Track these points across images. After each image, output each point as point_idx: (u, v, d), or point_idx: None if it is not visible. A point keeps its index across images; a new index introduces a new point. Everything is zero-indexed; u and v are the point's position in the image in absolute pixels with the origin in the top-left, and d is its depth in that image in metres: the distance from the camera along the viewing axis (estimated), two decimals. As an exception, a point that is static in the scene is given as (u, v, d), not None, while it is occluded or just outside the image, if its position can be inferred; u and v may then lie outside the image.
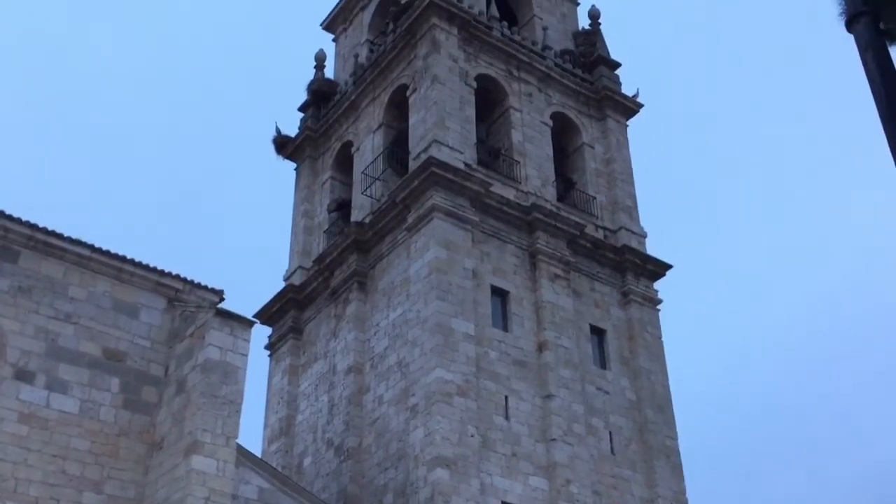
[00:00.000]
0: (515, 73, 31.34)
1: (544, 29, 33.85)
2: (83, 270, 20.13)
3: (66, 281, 19.87)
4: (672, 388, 28.52)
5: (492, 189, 27.57)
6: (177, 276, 21.10)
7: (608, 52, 34.49)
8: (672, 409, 28.07)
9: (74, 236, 20.04)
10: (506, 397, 24.94)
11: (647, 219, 31.50)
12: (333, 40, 38.11)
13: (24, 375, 18.63)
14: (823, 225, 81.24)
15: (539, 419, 25.16)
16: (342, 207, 32.46)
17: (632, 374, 28.04)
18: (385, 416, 25.30)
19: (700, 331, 74.12)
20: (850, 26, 6.47)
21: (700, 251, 75.75)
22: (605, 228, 30.42)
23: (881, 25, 6.44)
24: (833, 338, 75.39)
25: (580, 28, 35.64)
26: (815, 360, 74.55)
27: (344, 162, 33.17)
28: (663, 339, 29.28)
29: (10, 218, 19.38)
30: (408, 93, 30.10)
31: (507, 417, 24.65)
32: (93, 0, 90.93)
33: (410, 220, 26.79)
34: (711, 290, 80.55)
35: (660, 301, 29.92)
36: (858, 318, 71.08)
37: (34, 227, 19.63)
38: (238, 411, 18.87)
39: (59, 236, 19.90)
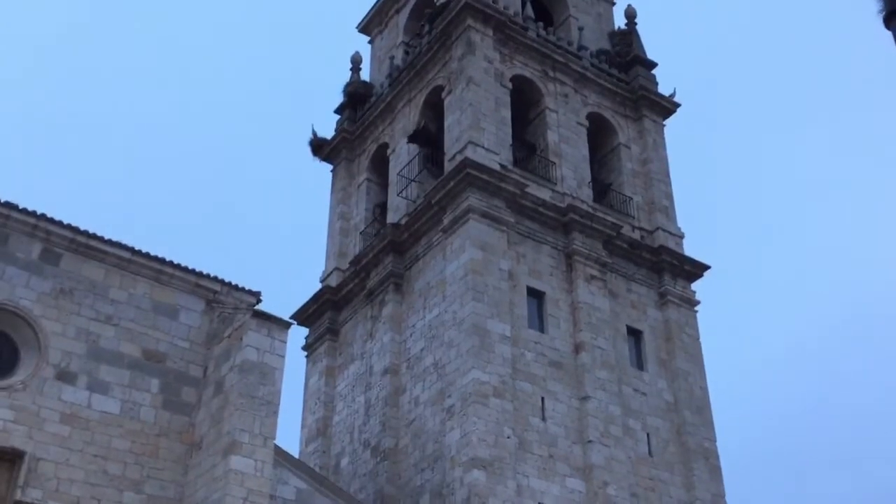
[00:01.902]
0: (551, 73, 31.27)
1: (580, 29, 33.74)
2: (123, 272, 20.40)
3: (106, 283, 20.14)
4: (710, 390, 28.30)
5: (527, 190, 27.53)
6: (215, 278, 21.32)
7: (644, 52, 34.30)
8: (710, 411, 27.84)
9: (115, 239, 20.32)
10: (542, 398, 24.88)
11: (684, 219, 31.31)
12: (369, 42, 38.26)
13: (65, 376, 18.91)
14: (865, 223, 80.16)
15: (575, 420, 25.07)
16: (378, 209, 32.58)
17: (669, 376, 27.86)
18: (421, 417, 25.35)
19: (739, 332, 73.44)
20: (888, 23, 6.41)
21: (739, 251, 75.06)
22: (641, 229, 30.25)
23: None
24: (878, 337, 74.34)
25: (616, 28, 35.49)
26: (859, 359, 73.61)
27: (380, 164, 33.28)
28: (701, 340, 29.07)
29: (51, 221, 19.69)
30: (443, 94, 30.14)
31: (543, 419, 24.59)
32: (133, 2, 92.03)
33: (446, 221, 26.83)
34: (751, 291, 79.85)
35: (697, 302, 29.70)
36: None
37: (76, 229, 19.93)
38: (275, 412, 19.03)
39: (101, 239, 20.18)
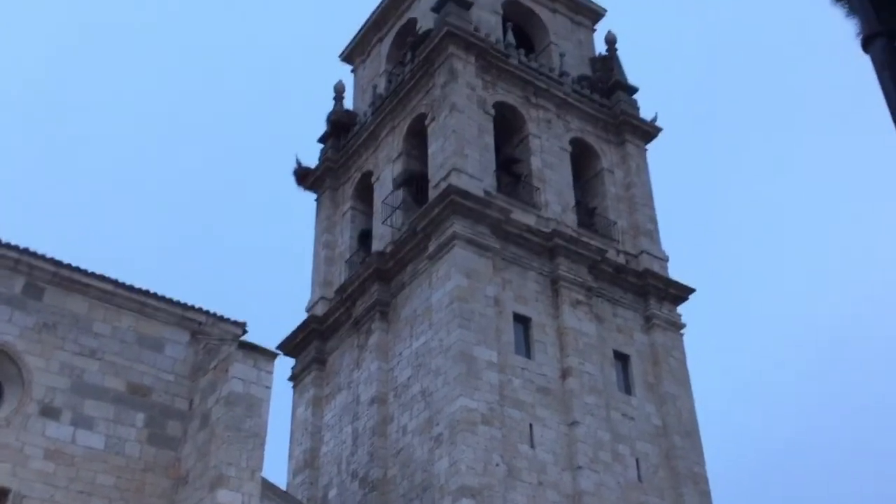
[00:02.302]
0: (533, 99, 31.43)
1: (561, 55, 33.96)
2: (107, 305, 20.25)
3: (90, 316, 19.99)
4: (698, 414, 28.27)
5: (512, 216, 27.58)
6: (200, 310, 21.19)
7: (625, 77, 34.54)
8: (699, 435, 27.79)
9: (98, 272, 20.20)
10: (530, 425, 24.79)
11: (668, 242, 31.41)
12: (352, 71, 38.41)
13: (49, 412, 18.71)
14: (849, 244, 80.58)
15: (565, 447, 24.97)
16: (363, 237, 32.57)
17: (657, 400, 27.82)
18: (409, 446, 25.21)
19: (727, 354, 73.56)
20: (866, 46, 6.45)
21: (723, 274, 75.26)
22: (626, 253, 30.32)
23: (898, 45, 6.41)
24: (859, 361, 74.56)
25: (597, 54, 35.74)
26: (847, 381, 73.74)
27: (364, 192, 33.29)
28: (688, 363, 29.08)
29: (34, 255, 19.56)
30: (426, 121, 30.23)
31: (532, 445, 24.49)
32: (107, 33, 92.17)
33: (431, 248, 26.82)
34: (737, 313, 80.00)
35: (683, 325, 29.73)
36: (888, 340, 70.28)
37: (59, 263, 19.80)
38: (262, 444, 18.86)
39: (84, 272, 20.04)
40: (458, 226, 26.19)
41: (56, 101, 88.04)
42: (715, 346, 63.94)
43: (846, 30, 7.37)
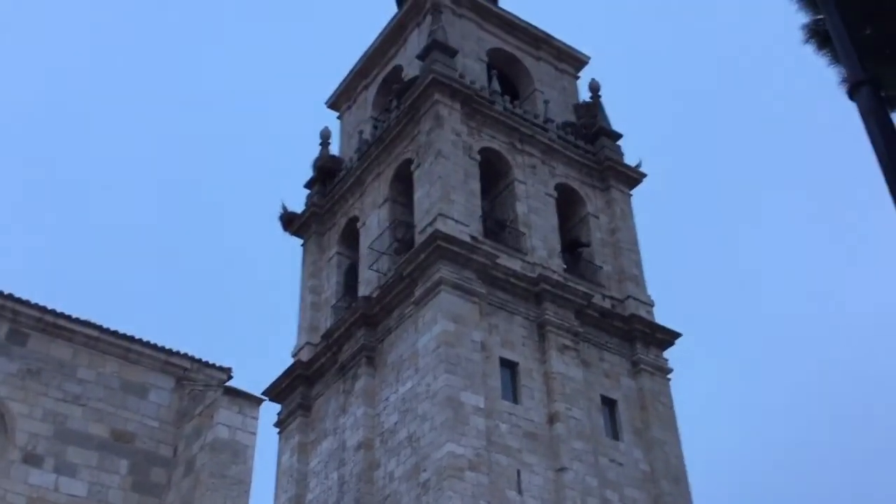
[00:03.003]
0: (518, 145, 31.67)
1: (545, 102, 34.30)
2: (92, 351, 20.09)
3: (74, 362, 19.82)
4: (686, 459, 28.18)
5: (498, 261, 27.64)
6: (185, 355, 21.04)
7: (609, 123, 34.89)
8: (687, 481, 27.67)
9: (83, 317, 20.08)
10: (518, 471, 24.64)
11: (654, 287, 31.51)
12: (338, 118, 38.65)
13: (32, 459, 18.47)
14: (832, 289, 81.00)
15: (552, 493, 24.80)
16: (349, 282, 32.56)
17: (645, 445, 27.72)
18: (396, 492, 24.97)
19: (714, 399, 73.44)
20: (851, 94, 6.56)
21: (709, 318, 75.48)
22: (612, 298, 30.39)
23: (882, 93, 6.54)
24: (847, 402, 74.61)
25: (581, 100, 36.13)
26: (833, 426, 73.67)
27: (350, 237, 33.34)
28: (675, 408, 29.03)
29: (19, 301, 19.44)
30: (412, 167, 30.38)
31: (520, 492, 24.31)
32: (93, 81, 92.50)
33: (417, 293, 26.81)
34: (724, 357, 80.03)
35: (670, 370, 29.73)
36: (875, 381, 70.44)
37: (43, 309, 19.67)
38: (247, 491, 18.64)
39: (68, 318, 19.91)
40: (444, 271, 26.23)
41: (39, 145, 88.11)
42: (702, 391, 63.87)
43: (830, 77, 7.51)
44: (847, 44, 6.62)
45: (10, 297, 19.37)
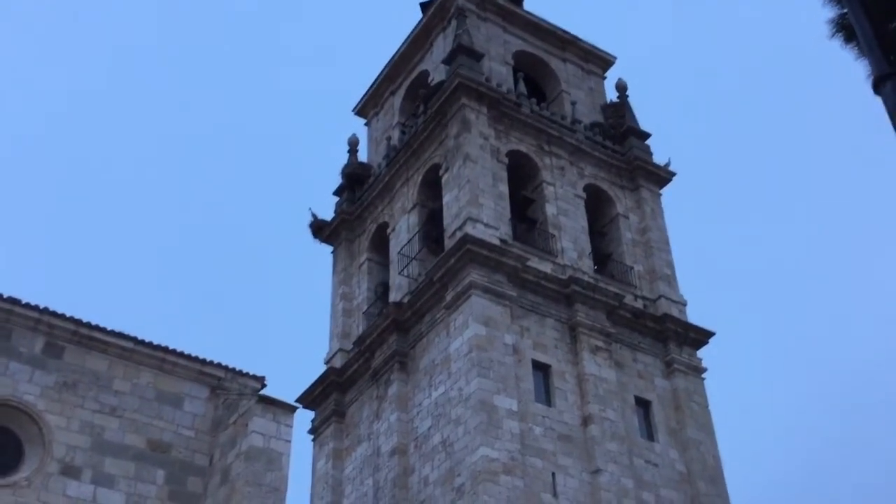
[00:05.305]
0: (546, 147, 31.60)
1: (573, 103, 34.21)
2: (127, 363, 20.31)
3: (110, 374, 20.04)
4: (723, 459, 27.94)
5: (528, 264, 27.59)
6: (219, 365, 21.21)
7: (637, 123, 34.73)
8: (724, 481, 27.44)
9: (117, 329, 20.29)
10: (553, 474, 24.55)
11: (686, 286, 31.29)
12: (366, 125, 38.78)
13: (70, 471, 18.69)
14: (865, 287, 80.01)
15: (588, 495, 24.69)
16: (380, 288, 32.66)
17: (680, 446, 27.53)
18: (431, 497, 24.97)
19: (750, 398, 72.83)
20: (877, 88, 6.50)
21: (743, 317, 74.81)
22: (644, 298, 30.22)
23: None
24: (886, 399, 73.62)
25: (608, 100, 35.99)
26: (870, 425, 72.72)
27: (380, 243, 33.42)
28: (710, 408, 28.81)
29: (54, 314, 19.69)
30: (440, 172, 30.41)
31: (555, 495, 24.23)
32: (126, 88, 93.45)
33: (448, 298, 26.82)
34: (759, 355, 79.34)
35: (704, 369, 29.51)
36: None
37: (78, 322, 19.90)
38: (283, 499, 18.74)
39: (103, 330, 20.13)
40: (474, 275, 26.22)
41: (71, 156, 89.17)
42: (738, 390, 63.35)
43: (858, 71, 7.43)
44: (871, 38, 6.56)
45: (46, 310, 19.62)
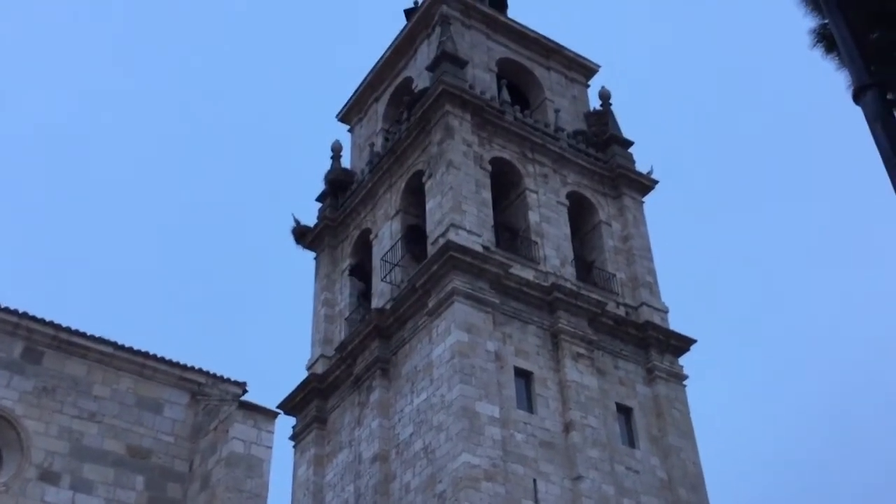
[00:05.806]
0: (530, 155, 31.66)
1: (556, 111, 34.30)
2: (106, 368, 20.15)
3: (89, 379, 19.88)
4: (704, 466, 28.02)
5: (511, 270, 27.61)
6: (199, 370, 21.08)
7: (620, 131, 34.85)
8: (705, 488, 27.52)
9: (97, 334, 20.15)
10: (534, 480, 24.56)
11: (668, 294, 31.40)
12: (349, 131, 38.76)
13: (48, 476, 18.53)
14: (847, 296, 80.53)
15: (569, 502, 24.71)
16: (363, 295, 32.60)
17: (661, 453, 27.60)
18: (412, 504, 24.92)
19: (731, 406, 73.02)
20: (857, 98, 6.53)
21: (724, 324, 75.11)
22: (626, 305, 30.30)
23: (889, 96, 6.50)
24: (865, 409, 74.08)
25: (591, 109, 36.10)
26: (850, 431, 73.17)
27: (363, 249, 33.38)
28: (691, 415, 28.88)
29: (33, 319, 19.53)
30: (424, 178, 30.42)
31: (536, 501, 24.23)
32: (107, 92, 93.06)
33: (431, 304, 26.81)
34: (738, 364, 79.70)
35: (685, 377, 29.61)
36: (894, 389, 69.99)
37: (58, 326, 19.75)
38: (264, 505, 18.64)
39: (83, 335, 19.98)
40: (457, 281, 26.22)
41: (52, 163, 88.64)
42: (718, 398, 63.53)
43: (839, 81, 7.48)
44: (851, 47, 6.59)
45: (25, 315, 19.47)
